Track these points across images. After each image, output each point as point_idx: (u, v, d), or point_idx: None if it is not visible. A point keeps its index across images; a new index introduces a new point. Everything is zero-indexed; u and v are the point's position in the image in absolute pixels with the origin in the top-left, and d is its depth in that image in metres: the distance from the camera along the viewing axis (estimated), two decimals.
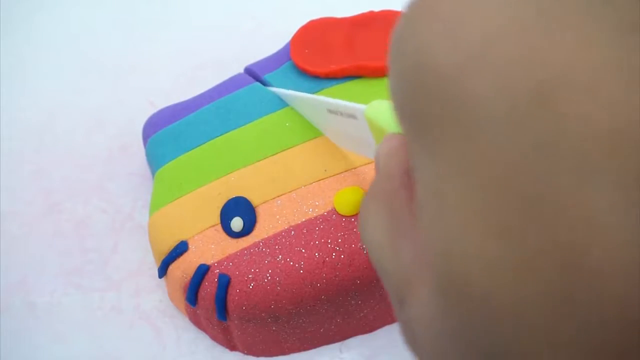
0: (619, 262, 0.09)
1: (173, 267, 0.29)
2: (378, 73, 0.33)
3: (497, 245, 0.10)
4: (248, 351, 0.31)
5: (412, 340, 0.14)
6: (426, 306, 0.12)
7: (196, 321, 0.31)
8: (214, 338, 0.31)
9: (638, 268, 0.09)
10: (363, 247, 0.28)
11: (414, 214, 0.14)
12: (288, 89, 0.33)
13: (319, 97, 0.29)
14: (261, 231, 0.29)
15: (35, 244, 0.35)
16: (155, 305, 0.32)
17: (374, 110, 0.22)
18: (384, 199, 0.15)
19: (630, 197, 0.09)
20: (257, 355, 0.31)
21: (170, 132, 0.33)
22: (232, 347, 0.31)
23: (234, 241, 0.28)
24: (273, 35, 0.37)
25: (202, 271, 0.28)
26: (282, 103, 0.32)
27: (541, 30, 0.10)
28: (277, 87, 0.33)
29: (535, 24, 0.10)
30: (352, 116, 0.26)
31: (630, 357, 0.09)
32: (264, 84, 0.34)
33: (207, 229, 0.29)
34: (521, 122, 0.10)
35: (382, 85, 0.33)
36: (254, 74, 0.34)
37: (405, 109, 0.13)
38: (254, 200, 0.29)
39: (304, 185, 0.30)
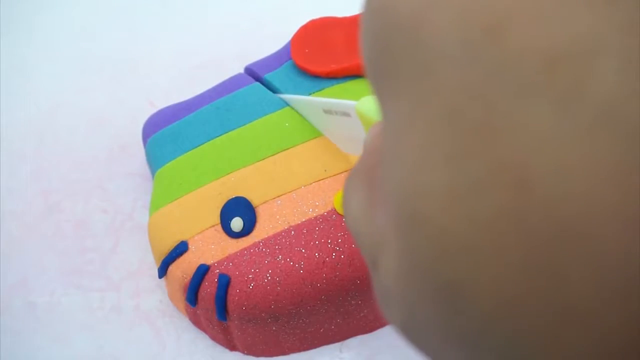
0: (559, 173, 0.09)
1: (173, 267, 0.29)
2: None
3: (446, 172, 0.10)
4: (248, 351, 0.31)
5: (383, 300, 0.14)
6: (393, 259, 0.13)
7: (196, 321, 0.31)
8: (214, 338, 0.31)
9: (576, 174, 0.09)
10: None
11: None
12: (288, 88, 0.33)
13: (314, 98, 0.29)
14: (261, 231, 0.29)
15: (35, 244, 0.35)
16: (155, 305, 0.32)
17: (364, 105, 0.23)
18: (364, 174, 0.15)
19: (565, 110, 0.09)
20: (257, 355, 0.31)
21: (170, 132, 0.33)
22: (232, 347, 0.31)
23: (234, 241, 0.28)
24: (273, 35, 0.37)
25: (202, 271, 0.28)
26: (282, 103, 0.32)
27: None
28: (277, 86, 0.33)
29: None
30: (346, 114, 0.26)
31: (575, 271, 0.09)
32: (264, 83, 0.34)
33: (207, 229, 0.29)
34: (473, 54, 0.10)
35: None
36: (254, 73, 0.34)
37: (370, 59, 0.13)
38: (254, 200, 0.29)
39: (304, 185, 0.30)
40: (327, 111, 0.28)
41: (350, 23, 0.34)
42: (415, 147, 0.11)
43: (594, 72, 0.09)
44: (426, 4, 0.11)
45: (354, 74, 0.33)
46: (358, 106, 0.23)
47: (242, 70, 0.35)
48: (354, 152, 0.29)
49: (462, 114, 0.10)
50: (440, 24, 0.11)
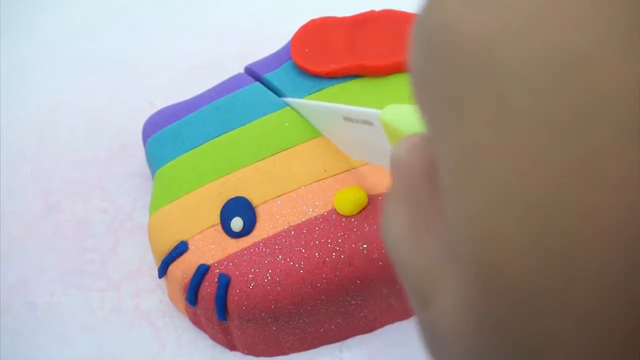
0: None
1: (173, 267, 0.29)
2: (379, 72, 0.33)
3: (534, 220, 0.09)
4: (248, 351, 0.31)
5: (435, 343, 0.13)
6: (455, 301, 0.11)
7: (196, 321, 0.31)
8: (214, 338, 0.31)
9: None
10: (364, 248, 0.28)
11: (439, 209, 0.12)
12: (288, 88, 0.33)
13: (334, 105, 0.29)
14: (261, 231, 0.29)
15: (35, 244, 0.35)
16: (155, 305, 0.32)
17: (389, 113, 0.22)
18: (405, 195, 0.14)
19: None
20: (257, 355, 0.31)
21: (170, 132, 0.33)
22: (232, 347, 0.31)
23: (234, 241, 0.29)
24: (273, 35, 0.37)
25: (202, 271, 0.28)
26: (281, 103, 0.32)
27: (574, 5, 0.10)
28: (277, 86, 0.33)
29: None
30: (367, 122, 0.25)
31: None
32: (264, 83, 0.34)
33: (207, 229, 0.29)
34: (561, 89, 0.09)
35: (382, 84, 0.33)
36: (254, 73, 0.34)
37: (426, 78, 0.12)
38: (254, 200, 0.29)
39: (304, 185, 0.30)
40: (347, 119, 0.28)
41: (350, 23, 0.34)
42: (490, 187, 0.10)
43: None
44: (497, 29, 0.10)
45: (354, 74, 0.33)
46: (382, 115, 0.22)
47: (242, 70, 0.35)
48: (372, 161, 0.29)
49: (552, 153, 0.09)
50: (517, 51, 0.10)
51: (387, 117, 0.22)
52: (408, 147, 0.15)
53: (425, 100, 0.12)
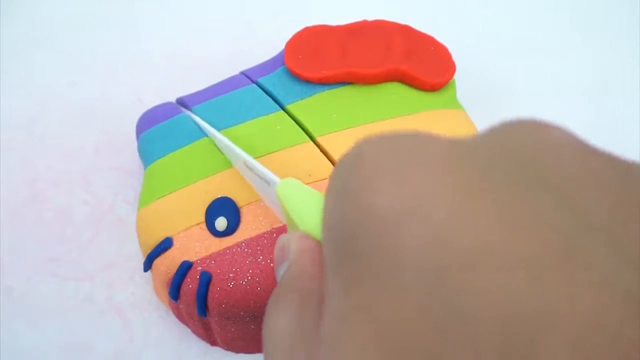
0: None
1: (157, 262, 0.29)
2: (369, 80, 0.33)
3: None
4: (228, 347, 0.31)
5: None
6: None
7: (179, 315, 0.31)
8: (195, 333, 0.31)
9: None
10: None
11: (319, 327, 0.13)
12: (280, 92, 0.33)
13: (238, 151, 0.29)
14: (244, 232, 0.29)
15: (16, 230, 0.35)
16: (127, 297, 0.33)
17: (286, 190, 0.21)
18: (296, 298, 0.15)
19: None
20: (237, 351, 0.31)
21: (162, 129, 0.33)
22: (213, 342, 0.31)
23: (217, 240, 0.29)
24: (265, 41, 0.38)
25: (185, 268, 0.28)
26: (275, 106, 0.33)
27: (470, 201, 0.11)
28: (270, 90, 0.33)
29: (466, 194, 0.11)
30: (266, 182, 0.25)
31: None
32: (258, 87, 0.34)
33: (192, 226, 0.29)
34: (438, 288, 0.10)
35: (372, 92, 0.33)
36: (249, 78, 0.35)
37: (335, 235, 0.13)
38: (239, 200, 0.30)
39: None
40: (249, 168, 0.28)
41: (343, 32, 0.35)
42: (357, 349, 0.11)
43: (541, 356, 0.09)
44: (408, 211, 0.11)
45: (345, 81, 0.34)
46: (279, 188, 0.21)
47: (232, 74, 0.35)
48: (266, 201, 0.29)
49: (412, 344, 0.10)
50: (417, 238, 0.11)
51: (283, 195, 0.21)
52: (300, 247, 0.15)
53: (329, 234, 0.13)
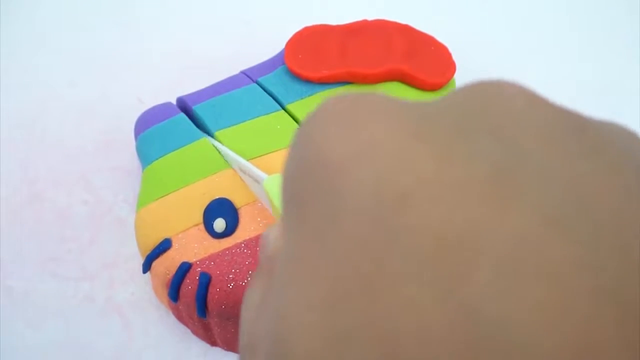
0: (421, 342, 0.10)
1: (157, 264, 0.29)
2: (368, 80, 0.33)
3: (320, 314, 0.11)
4: (228, 347, 0.31)
5: None
6: None
7: (179, 316, 0.31)
8: (195, 333, 0.31)
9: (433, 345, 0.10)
10: None
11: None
12: (280, 91, 0.33)
13: (232, 154, 0.29)
14: (243, 232, 0.29)
15: (16, 230, 0.35)
16: (127, 297, 0.33)
17: (272, 183, 0.22)
18: (264, 277, 0.15)
19: (442, 300, 0.10)
20: (237, 352, 0.31)
21: (160, 130, 0.33)
22: (213, 343, 0.31)
23: (216, 241, 0.29)
24: (265, 41, 0.38)
25: (184, 269, 0.28)
26: (275, 106, 0.33)
27: (414, 145, 0.11)
28: (269, 89, 0.33)
29: (412, 140, 0.11)
30: (257, 181, 0.26)
31: None
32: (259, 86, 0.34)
33: (190, 227, 0.29)
34: (380, 217, 0.11)
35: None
36: (249, 77, 0.35)
37: (289, 177, 0.13)
38: (237, 201, 0.30)
39: None
40: (242, 171, 0.28)
41: (343, 31, 0.35)
42: (302, 280, 0.11)
43: (470, 273, 0.10)
44: (353, 156, 0.12)
45: (345, 81, 0.34)
46: (266, 183, 0.22)
47: (232, 74, 0.35)
48: (263, 204, 0.30)
49: (354, 267, 0.11)
50: (359, 179, 0.11)
51: (269, 187, 0.22)
52: (276, 234, 0.16)
53: (284, 195, 0.13)
